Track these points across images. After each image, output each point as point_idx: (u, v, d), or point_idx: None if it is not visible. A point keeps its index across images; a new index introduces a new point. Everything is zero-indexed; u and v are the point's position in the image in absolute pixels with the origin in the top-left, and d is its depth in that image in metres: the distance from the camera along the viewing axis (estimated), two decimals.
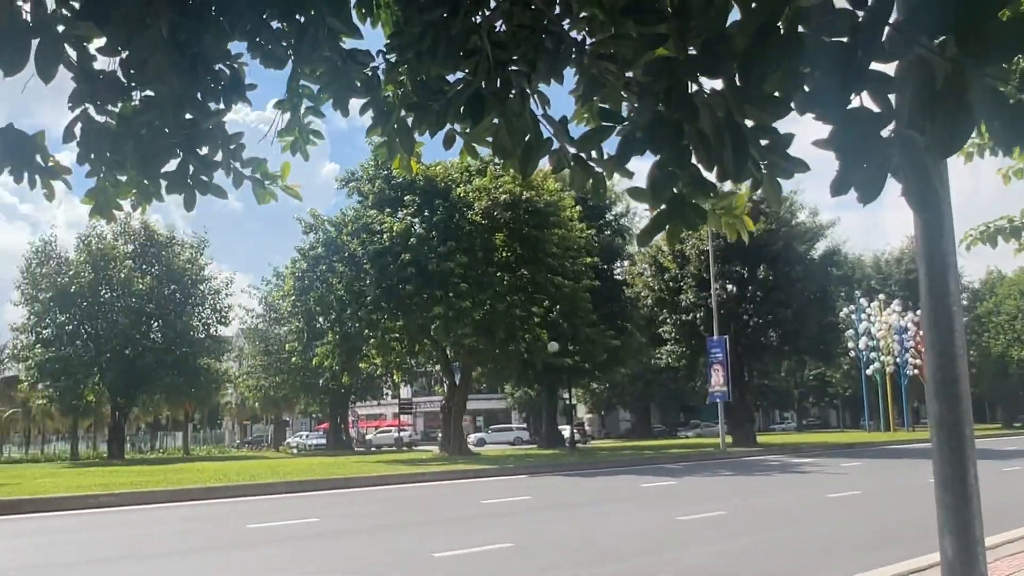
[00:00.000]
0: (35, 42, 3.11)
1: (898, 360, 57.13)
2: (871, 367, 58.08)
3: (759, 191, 2.51)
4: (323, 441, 60.35)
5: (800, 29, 1.80)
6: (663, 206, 2.37)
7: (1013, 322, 61.70)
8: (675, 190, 2.37)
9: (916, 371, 53.73)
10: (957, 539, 3.37)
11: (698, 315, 39.68)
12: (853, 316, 57.40)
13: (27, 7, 3.12)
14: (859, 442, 40.92)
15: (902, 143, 1.75)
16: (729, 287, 39.41)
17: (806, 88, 1.96)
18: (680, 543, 9.76)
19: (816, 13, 1.80)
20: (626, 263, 45.85)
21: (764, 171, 2.41)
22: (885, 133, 1.81)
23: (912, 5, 1.66)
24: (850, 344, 56.30)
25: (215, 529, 12.80)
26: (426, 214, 32.33)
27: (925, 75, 1.70)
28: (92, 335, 43.83)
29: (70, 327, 43.60)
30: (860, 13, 1.72)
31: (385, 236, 31.25)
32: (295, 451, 58.76)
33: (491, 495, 16.56)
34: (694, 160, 2.29)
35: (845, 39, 1.76)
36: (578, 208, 35.57)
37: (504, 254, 33.12)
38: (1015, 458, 25.52)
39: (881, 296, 59.55)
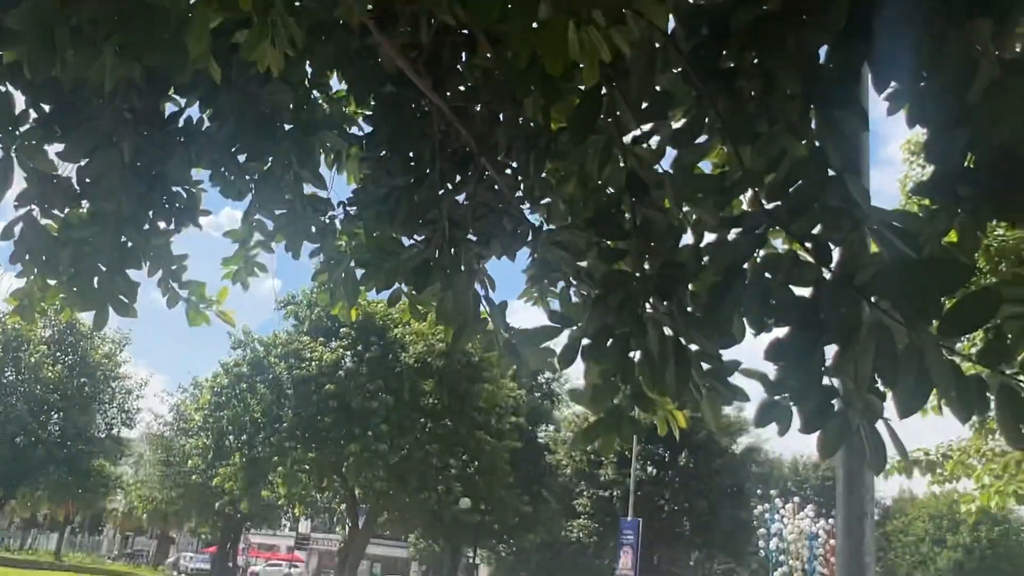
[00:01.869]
0: None
1: (806, 567, 56.84)
2: (779, 570, 57.59)
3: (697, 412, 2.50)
4: (207, 566, 56.65)
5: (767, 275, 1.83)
6: (601, 415, 2.35)
7: (919, 545, 62.20)
8: (615, 401, 2.35)
9: None
10: None
11: (616, 492, 39.38)
12: (767, 516, 57.39)
13: None
14: None
15: (864, 408, 1.75)
16: (649, 468, 39.36)
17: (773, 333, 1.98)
18: None
19: (785, 263, 1.84)
20: (551, 427, 45.63)
21: (704, 394, 2.41)
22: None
23: (872, 276, 1.70)
24: (761, 543, 55.99)
25: None
26: (359, 349, 32.02)
27: (886, 339, 1.72)
28: None
29: None
30: (825, 271, 1.76)
31: (314, 364, 30.71)
32: (175, 573, 55.10)
33: None
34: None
35: (808, 293, 1.80)
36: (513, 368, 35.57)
37: (431, 401, 32.70)
38: None
39: (796, 499, 59.80)
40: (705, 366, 2.35)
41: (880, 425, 1.83)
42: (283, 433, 30.65)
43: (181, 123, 3.56)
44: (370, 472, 30.30)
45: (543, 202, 3.21)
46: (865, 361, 1.75)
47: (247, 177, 3.84)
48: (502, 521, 37.18)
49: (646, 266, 2.27)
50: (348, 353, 31.97)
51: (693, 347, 2.25)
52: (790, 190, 1.94)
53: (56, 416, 43.32)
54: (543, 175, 3.00)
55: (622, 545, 33.81)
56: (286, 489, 33.99)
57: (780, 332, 1.91)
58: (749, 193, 2.04)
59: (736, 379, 2.31)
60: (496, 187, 3.32)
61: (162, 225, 3.79)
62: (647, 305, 2.18)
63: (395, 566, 69.53)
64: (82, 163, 3.45)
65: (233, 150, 3.62)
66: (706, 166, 2.47)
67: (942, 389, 1.62)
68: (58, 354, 43.24)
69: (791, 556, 57.37)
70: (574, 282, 3.11)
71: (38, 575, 25.86)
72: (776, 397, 1.90)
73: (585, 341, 2.26)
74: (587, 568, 65.56)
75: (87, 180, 3.45)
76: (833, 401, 1.83)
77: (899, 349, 1.70)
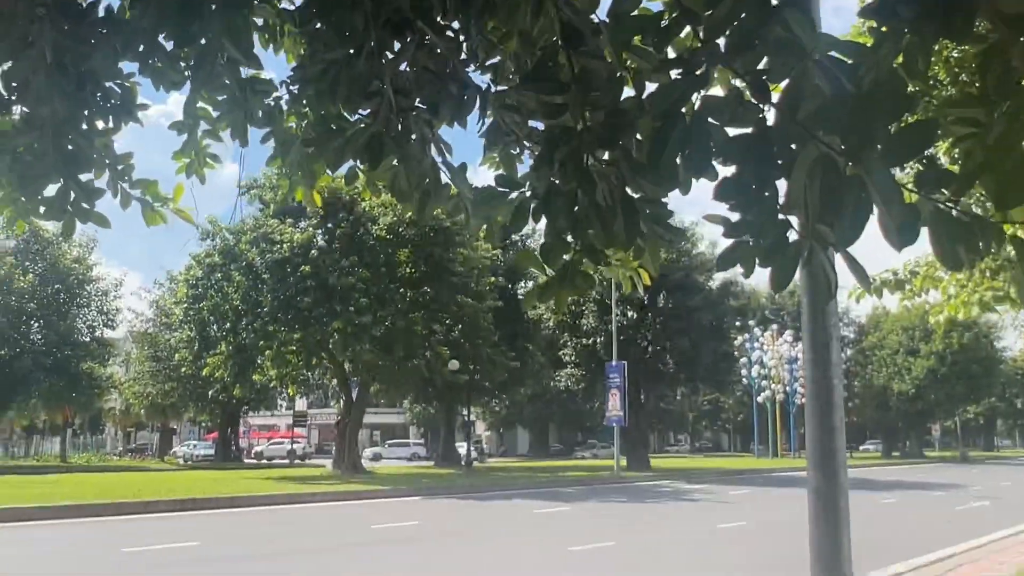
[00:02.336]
0: None
1: (787, 389, 59.43)
2: (762, 395, 60.22)
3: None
4: (211, 452, 58.32)
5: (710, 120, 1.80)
6: (552, 273, 2.35)
7: (895, 356, 64.73)
8: (566, 257, 2.36)
9: (803, 400, 55.93)
10: None
11: (598, 340, 40.29)
12: (747, 345, 59.33)
13: None
14: (748, 468, 42.19)
15: (815, 237, 1.77)
16: (630, 313, 40.13)
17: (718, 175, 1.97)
18: None
19: (727, 104, 1.81)
20: (530, 283, 46.21)
21: (646, 240, 2.42)
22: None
23: (815, 109, 1.68)
24: (743, 372, 58.15)
25: (88, 553, 12.16)
26: (329, 226, 31.84)
27: (830, 171, 1.72)
28: None
29: None
30: (767, 108, 1.74)
31: (285, 246, 30.55)
32: (182, 461, 56.67)
33: (382, 519, 16.30)
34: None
35: (751, 130, 1.78)
36: (484, 227, 35.59)
37: (408, 270, 32.85)
38: (893, 489, 26.71)
39: (774, 326, 61.77)
40: (647, 212, 2.35)
41: (838, 255, 1.85)
42: (265, 318, 30.83)
43: (101, 13, 3.37)
44: (356, 346, 30.74)
45: (489, 63, 3.11)
46: (813, 192, 1.75)
47: (181, 64, 3.68)
48: (491, 378, 38.23)
49: (588, 119, 2.22)
50: (319, 232, 31.80)
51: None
52: (732, 25, 1.88)
53: (36, 325, 43.27)
54: (484, 35, 2.89)
55: (609, 388, 35.01)
56: (276, 371, 34.55)
57: (728, 173, 1.91)
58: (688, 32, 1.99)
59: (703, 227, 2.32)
60: (439, 51, 3.21)
61: (100, 125, 3.66)
62: (592, 158, 2.15)
63: (394, 432, 71.90)
64: (4, 68, 3.29)
65: (160, 38, 3.45)
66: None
67: (880, 215, 1.64)
68: (26, 264, 42.71)
69: (773, 380, 59.90)
70: (527, 144, 3.06)
71: (49, 479, 26.49)
72: (737, 239, 1.91)
73: (533, 203, 2.25)
74: (578, 413, 68.28)
75: (13, 85, 3.31)
76: (788, 234, 1.85)
77: (843, 179, 1.72)
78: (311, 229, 31.65)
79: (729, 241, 1.95)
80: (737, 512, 18.74)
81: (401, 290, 32.22)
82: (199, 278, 33.38)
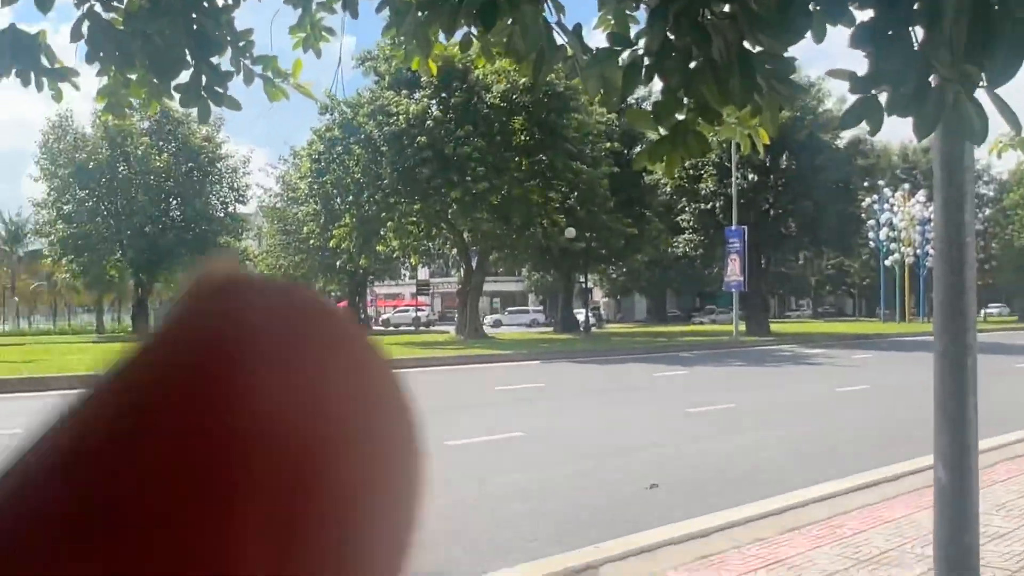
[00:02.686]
0: None
1: (918, 251, 56.88)
2: (890, 258, 57.91)
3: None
4: None
5: None
6: (664, 132, 2.32)
7: None
8: (679, 116, 2.31)
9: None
10: (950, 454, 3.43)
11: (717, 204, 39.36)
12: (875, 207, 56.76)
13: None
14: (873, 333, 41.19)
15: (962, 79, 1.68)
16: (750, 176, 38.88)
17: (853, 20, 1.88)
18: (690, 437, 9.98)
19: None
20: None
21: (764, 98, 2.35)
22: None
23: None
24: (870, 235, 55.92)
25: None
26: (443, 96, 31.77)
27: (981, 4, 1.62)
28: (112, 212, 44.14)
29: (90, 203, 43.90)
30: None
31: (401, 118, 30.83)
32: None
33: (504, 381, 16.93)
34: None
35: None
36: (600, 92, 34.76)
37: (523, 138, 32.66)
38: None
39: (906, 186, 58.69)
40: (767, 67, 2.27)
41: (986, 99, 1.77)
42: (385, 190, 31.54)
43: None
44: (474, 215, 31.18)
45: None
46: (960, 30, 1.66)
47: None
48: (608, 245, 38.18)
49: None
50: (433, 102, 31.82)
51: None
52: None
53: (175, 202, 45.70)
54: None
55: (729, 253, 34.47)
56: (398, 242, 35.59)
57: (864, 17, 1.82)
58: None
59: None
60: None
61: (220, 2, 3.75)
62: (708, 12, 2.07)
63: (513, 299, 73.44)
64: None
65: None
66: None
67: None
68: (161, 144, 44.74)
69: (903, 243, 57.37)
70: (642, 0, 2.97)
71: None
72: (864, 94, 1.84)
73: (647, 60, 2.21)
74: (696, 279, 67.65)
75: None
76: (930, 79, 1.76)
77: (996, 12, 1.62)
78: (426, 100, 31.71)
79: (855, 97, 1.88)
80: (859, 376, 18.48)
81: (516, 158, 32.18)
82: (321, 153, 34.27)
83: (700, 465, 8.23)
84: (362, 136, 32.06)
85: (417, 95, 32.08)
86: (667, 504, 6.53)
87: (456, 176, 30.25)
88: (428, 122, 30.62)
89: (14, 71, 3.49)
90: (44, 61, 3.48)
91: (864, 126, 1.88)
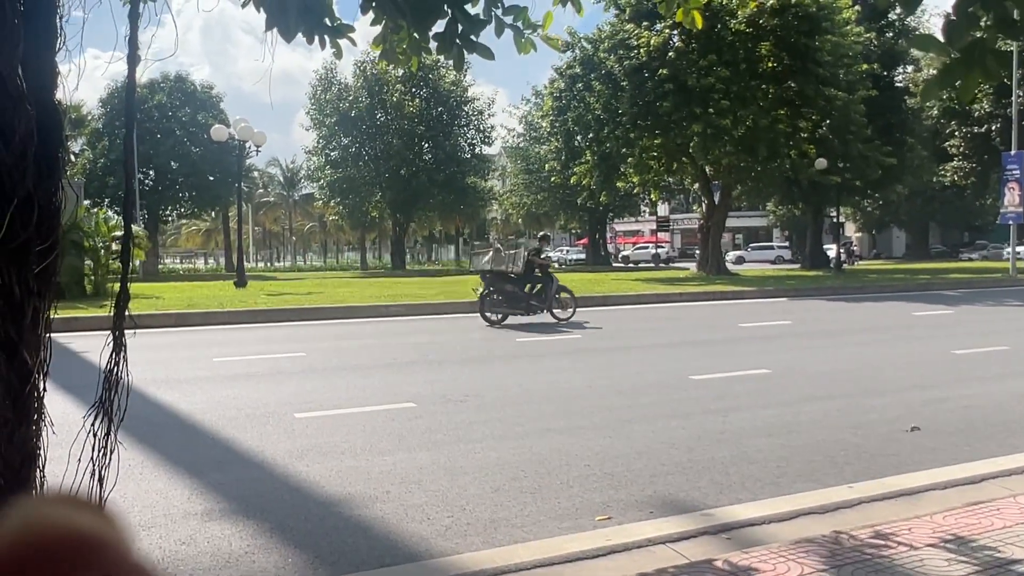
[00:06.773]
0: None
1: None
2: None
3: None
4: (582, 256, 62.41)
5: None
6: (957, 55, 2.15)
7: None
8: (975, 34, 2.13)
9: None
10: None
11: (993, 126, 35.44)
12: None
13: None
14: None
15: None
16: None
17: None
18: (958, 379, 9.26)
19: None
20: (910, 69, 41.33)
21: None
22: None
23: None
24: None
25: (496, 340, 13.94)
26: (685, 26, 30.86)
27: None
28: (372, 156, 47.60)
29: (353, 149, 47.62)
30: None
31: (642, 51, 30.36)
32: (557, 265, 61.38)
33: (749, 319, 16.54)
34: None
35: None
36: (856, 8, 32.16)
37: (770, 65, 31.05)
38: None
39: None
40: None
41: None
42: (626, 125, 31.38)
43: None
44: (717, 149, 30.30)
45: None
46: None
47: None
48: (863, 176, 35.66)
49: None
50: (674, 32, 30.99)
51: None
52: None
53: (426, 145, 48.34)
54: None
55: (1006, 181, 31.02)
56: (638, 177, 35.42)
57: None
58: None
59: None
60: None
61: None
62: None
63: (756, 235, 70.87)
64: None
65: None
66: None
67: None
68: (413, 90, 47.28)
69: None
70: None
71: (455, 279, 30.32)
72: None
73: None
74: (964, 211, 61.47)
75: None
76: None
77: None
78: (667, 31, 30.96)
79: None
80: None
81: (763, 87, 30.74)
82: (562, 90, 34.65)
83: (969, 408, 7.66)
84: (602, 72, 31.99)
85: (658, 26, 31.38)
86: (928, 447, 6.18)
87: (698, 108, 29.44)
88: (669, 54, 29.93)
89: (300, 31, 3.87)
90: (326, 21, 3.84)
91: None
